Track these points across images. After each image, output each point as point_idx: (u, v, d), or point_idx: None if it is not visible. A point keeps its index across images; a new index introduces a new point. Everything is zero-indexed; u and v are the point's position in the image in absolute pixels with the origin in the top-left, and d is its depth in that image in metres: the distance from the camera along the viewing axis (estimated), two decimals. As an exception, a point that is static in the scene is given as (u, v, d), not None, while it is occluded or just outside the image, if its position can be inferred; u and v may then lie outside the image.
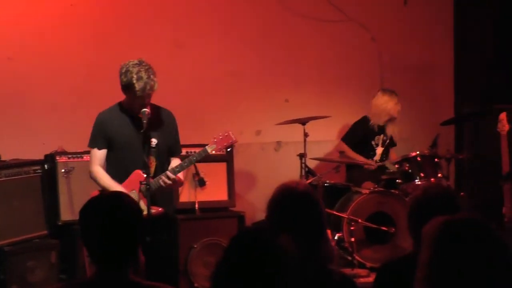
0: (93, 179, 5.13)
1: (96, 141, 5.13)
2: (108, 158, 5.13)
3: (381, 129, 7.44)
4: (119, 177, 5.04)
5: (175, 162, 5.19)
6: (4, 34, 6.62)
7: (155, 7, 7.35)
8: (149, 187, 4.82)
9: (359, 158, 7.30)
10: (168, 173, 5.01)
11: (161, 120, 5.10)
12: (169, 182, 5.00)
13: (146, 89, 4.89)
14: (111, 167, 5.12)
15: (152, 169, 4.99)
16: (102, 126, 5.11)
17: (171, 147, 5.21)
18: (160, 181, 4.98)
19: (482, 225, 2.23)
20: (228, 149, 5.31)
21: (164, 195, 5.15)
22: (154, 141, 4.97)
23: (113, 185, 4.97)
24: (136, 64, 4.94)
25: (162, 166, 5.09)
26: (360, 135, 7.41)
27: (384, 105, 7.33)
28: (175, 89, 7.09)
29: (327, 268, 2.99)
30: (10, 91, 6.69)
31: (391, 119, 7.42)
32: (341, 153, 7.42)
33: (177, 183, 5.17)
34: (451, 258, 2.16)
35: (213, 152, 5.17)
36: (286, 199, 3.01)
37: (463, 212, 3.32)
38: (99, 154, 5.11)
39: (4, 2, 6.65)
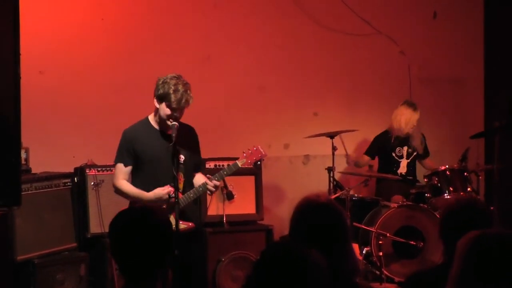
0: (119, 193, 5.12)
1: (123, 158, 5.09)
2: (136, 174, 5.11)
3: (405, 141, 7.40)
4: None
5: (199, 177, 5.19)
6: (36, 48, 6.68)
7: (184, 22, 7.40)
8: (178, 201, 4.82)
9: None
10: (215, 181, 5.05)
11: (186, 136, 5.07)
12: (213, 190, 5.07)
13: (182, 102, 4.92)
14: (139, 183, 5.08)
15: (181, 185, 5.00)
16: (130, 143, 5.07)
17: (196, 163, 5.21)
18: (210, 186, 5.01)
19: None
20: (258, 163, 5.33)
21: (192, 209, 5.17)
22: (182, 157, 4.98)
23: (144, 194, 4.95)
24: (175, 77, 4.98)
25: (190, 182, 5.09)
26: (378, 148, 7.42)
27: (405, 117, 7.29)
28: (204, 103, 7.09)
29: (354, 282, 2.98)
30: (41, 105, 6.75)
31: (411, 133, 7.38)
32: (370, 166, 7.40)
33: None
34: (480, 274, 2.13)
35: (243, 166, 5.20)
36: (307, 211, 3.01)
37: (497, 227, 3.32)
38: (125, 170, 5.08)
39: (35, 16, 6.72)
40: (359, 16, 7.91)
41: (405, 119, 7.29)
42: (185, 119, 5.16)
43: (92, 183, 6.35)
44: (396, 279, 6.53)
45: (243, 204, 6.65)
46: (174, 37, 7.33)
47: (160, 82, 4.97)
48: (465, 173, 6.89)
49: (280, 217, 7.32)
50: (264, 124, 7.71)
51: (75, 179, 6.29)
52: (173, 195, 4.82)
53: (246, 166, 5.28)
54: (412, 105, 7.34)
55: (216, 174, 5.11)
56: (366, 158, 7.47)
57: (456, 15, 8.47)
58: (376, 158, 7.54)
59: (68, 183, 6.18)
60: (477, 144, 8.01)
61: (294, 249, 2.34)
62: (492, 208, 6.82)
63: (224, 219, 6.54)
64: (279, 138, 7.79)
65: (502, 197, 7.03)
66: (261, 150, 5.21)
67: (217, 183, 5.07)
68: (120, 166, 5.10)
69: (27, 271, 5.76)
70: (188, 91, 4.95)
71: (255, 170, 6.70)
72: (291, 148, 7.85)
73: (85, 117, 6.95)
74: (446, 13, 8.42)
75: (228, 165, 5.23)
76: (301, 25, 7.82)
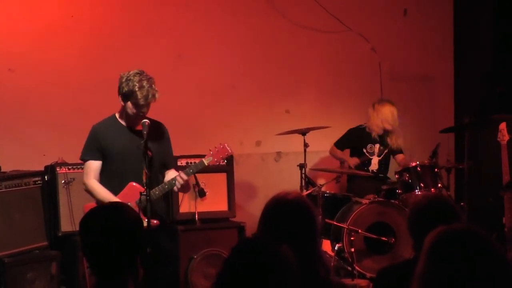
0: (88, 192, 5.09)
1: (91, 153, 5.07)
2: (102, 169, 5.08)
3: (379, 139, 7.44)
4: (113, 189, 5.00)
5: (171, 174, 5.18)
6: (5, 45, 6.64)
7: (156, 20, 7.37)
8: (149, 198, 4.81)
9: (346, 158, 7.43)
10: (182, 173, 5.02)
11: (154, 132, 5.03)
12: (182, 182, 5.01)
13: (148, 97, 4.89)
14: (104, 178, 5.07)
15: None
16: (97, 138, 5.06)
17: (165, 160, 5.18)
18: (178, 179, 4.99)
19: (480, 236, 2.21)
20: (225, 161, 5.32)
21: (160, 206, 5.15)
22: (149, 153, 4.96)
23: (111, 199, 4.89)
24: (137, 73, 4.94)
25: (157, 179, 5.05)
26: (351, 141, 7.45)
27: (382, 116, 7.34)
28: (176, 101, 7.11)
29: (326, 278, 2.98)
30: (11, 102, 6.71)
31: (392, 130, 7.41)
32: (342, 163, 7.44)
33: (188, 186, 5.20)
34: (445, 269, 2.15)
35: (209, 164, 5.19)
36: (276, 209, 3.01)
37: (462, 222, 3.36)
38: (95, 166, 5.06)
39: (5, 14, 6.67)
40: (330, 14, 7.93)
41: (395, 116, 7.34)
42: (156, 116, 5.15)
43: (63, 181, 6.32)
44: (368, 275, 6.56)
45: (215, 202, 6.64)
46: (145, 35, 7.30)
47: (124, 80, 4.93)
48: (436, 169, 6.93)
49: (252, 214, 7.31)
50: (236, 122, 7.71)
51: (46, 177, 6.25)
52: (145, 192, 4.81)
53: (213, 164, 5.26)
54: (392, 103, 7.40)
55: (184, 170, 5.10)
56: (338, 151, 7.49)
57: (426, 13, 8.54)
58: (348, 153, 7.58)
59: (39, 182, 6.13)
60: (447, 141, 8.09)
61: (262, 245, 2.34)
62: (462, 204, 6.89)
63: (196, 216, 6.54)
64: (251, 135, 7.80)
65: (472, 193, 7.08)
66: (228, 148, 5.18)
67: (185, 177, 5.03)
68: (90, 163, 5.07)
69: (-3, 270, 5.72)
70: (153, 86, 4.93)
71: (227, 167, 6.70)
72: (263, 145, 7.86)
73: (56, 115, 6.90)
74: (417, 11, 8.48)
75: (195, 162, 5.22)
76: (272, 22, 7.83)
